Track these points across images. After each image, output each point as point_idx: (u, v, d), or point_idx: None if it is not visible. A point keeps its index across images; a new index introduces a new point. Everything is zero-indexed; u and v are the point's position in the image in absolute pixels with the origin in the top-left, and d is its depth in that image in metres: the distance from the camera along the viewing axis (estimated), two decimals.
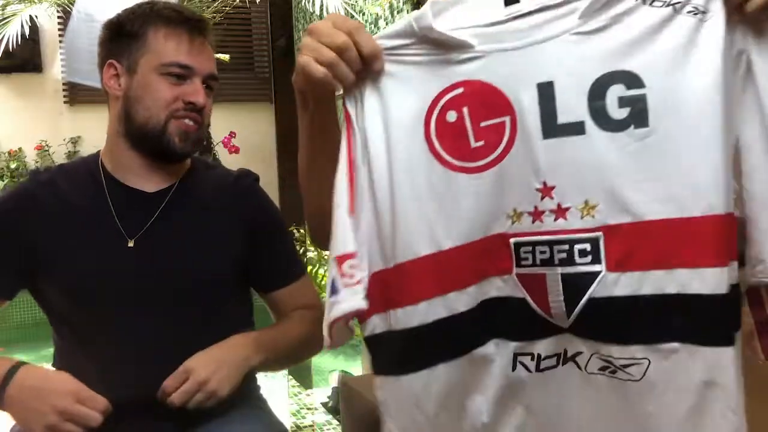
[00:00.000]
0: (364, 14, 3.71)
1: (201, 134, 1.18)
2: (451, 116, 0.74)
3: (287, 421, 2.71)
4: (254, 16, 5.37)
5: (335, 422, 2.94)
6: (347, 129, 0.77)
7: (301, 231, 4.14)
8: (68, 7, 3.48)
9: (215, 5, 3.71)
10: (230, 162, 3.40)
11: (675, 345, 0.69)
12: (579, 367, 0.74)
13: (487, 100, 0.72)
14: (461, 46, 0.73)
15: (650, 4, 0.68)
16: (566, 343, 0.74)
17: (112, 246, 1.14)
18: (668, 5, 0.67)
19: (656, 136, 0.67)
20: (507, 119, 0.71)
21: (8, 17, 3.40)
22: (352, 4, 3.55)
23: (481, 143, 0.73)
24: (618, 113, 0.68)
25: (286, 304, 1.27)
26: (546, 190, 0.70)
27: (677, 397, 0.70)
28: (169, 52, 1.13)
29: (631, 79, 0.68)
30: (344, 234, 0.75)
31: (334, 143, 0.79)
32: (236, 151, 3.63)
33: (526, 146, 0.71)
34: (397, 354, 0.78)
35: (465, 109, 0.73)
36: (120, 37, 1.16)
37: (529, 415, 0.78)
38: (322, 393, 3.25)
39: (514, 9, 0.72)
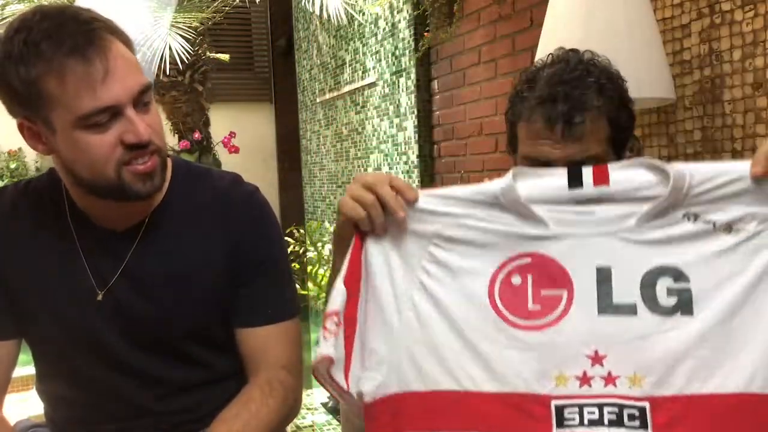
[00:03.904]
0: (364, 14, 3.70)
1: (164, 162, 1.01)
2: (516, 280, 0.83)
3: None
4: (254, 16, 5.37)
5: (335, 422, 2.94)
6: (355, 243, 0.87)
7: (301, 231, 4.12)
8: None
9: (215, 5, 3.71)
10: (230, 162, 3.40)
11: None
12: None
13: (550, 272, 0.82)
14: (538, 222, 0.83)
15: (693, 222, 0.80)
16: None
17: (82, 299, 1.04)
18: (708, 223, 0.80)
19: (700, 324, 0.77)
20: (564, 292, 0.81)
21: (8, 17, 3.39)
22: (352, 4, 3.54)
23: (537, 307, 0.81)
24: (666, 301, 0.79)
25: (251, 350, 1.07)
26: (597, 358, 0.78)
27: None
28: (77, 102, 0.89)
29: (678, 274, 0.79)
30: (335, 297, 0.86)
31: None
32: (236, 151, 3.62)
33: (580, 318, 0.79)
34: None
35: (530, 276, 0.82)
36: (12, 95, 0.93)
37: None
38: (322, 393, 3.25)
39: (578, 193, 0.83)
